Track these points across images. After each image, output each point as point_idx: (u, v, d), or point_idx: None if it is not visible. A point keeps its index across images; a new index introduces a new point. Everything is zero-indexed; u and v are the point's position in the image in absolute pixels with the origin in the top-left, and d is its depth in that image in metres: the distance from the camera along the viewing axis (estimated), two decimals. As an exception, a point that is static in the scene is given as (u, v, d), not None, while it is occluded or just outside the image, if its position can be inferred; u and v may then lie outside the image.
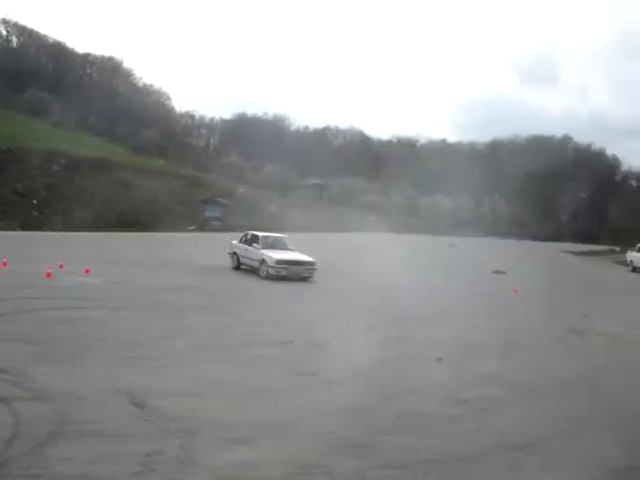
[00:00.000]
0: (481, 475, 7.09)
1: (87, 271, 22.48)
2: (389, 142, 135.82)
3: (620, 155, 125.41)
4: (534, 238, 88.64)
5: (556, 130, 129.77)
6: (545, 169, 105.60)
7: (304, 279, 25.39)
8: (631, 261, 47.41)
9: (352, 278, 26.85)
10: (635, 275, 43.99)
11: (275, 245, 27.20)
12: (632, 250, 48.49)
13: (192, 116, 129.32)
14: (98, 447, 6.95)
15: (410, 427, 8.41)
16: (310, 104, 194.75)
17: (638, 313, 22.89)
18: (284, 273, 24.79)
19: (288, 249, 27.07)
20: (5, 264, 22.41)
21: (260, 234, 28.29)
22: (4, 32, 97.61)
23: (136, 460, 6.62)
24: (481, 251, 52.77)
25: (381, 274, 27.74)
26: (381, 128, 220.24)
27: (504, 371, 12.06)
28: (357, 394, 9.82)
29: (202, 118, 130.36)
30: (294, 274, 25.03)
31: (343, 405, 9.20)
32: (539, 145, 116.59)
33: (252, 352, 12.33)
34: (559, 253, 58.76)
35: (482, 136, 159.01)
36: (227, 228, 65.49)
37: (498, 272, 33.87)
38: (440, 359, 12.48)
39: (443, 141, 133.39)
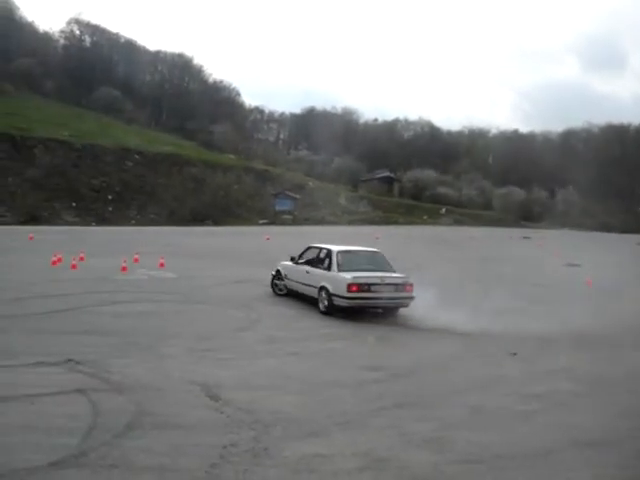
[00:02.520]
0: (556, 471, 6.85)
1: (161, 265, 22.82)
2: (460, 133, 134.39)
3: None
4: (610, 230, 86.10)
5: (624, 118, 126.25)
6: (621, 158, 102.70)
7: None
8: None
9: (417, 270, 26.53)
10: None
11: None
12: None
13: (262, 111, 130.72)
14: (174, 439, 6.99)
15: (483, 422, 8.22)
16: (379, 96, 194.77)
17: None
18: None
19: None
20: (82, 259, 22.89)
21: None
22: (77, 32, 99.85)
23: (212, 452, 6.63)
24: (555, 243, 51.58)
25: (450, 267, 27.31)
26: (450, 119, 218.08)
27: (578, 365, 11.70)
28: (427, 389, 9.70)
29: (271, 113, 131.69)
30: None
31: (414, 399, 9.08)
32: (614, 134, 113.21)
33: (323, 345, 12.19)
34: (636, 245, 56.96)
35: (549, 125, 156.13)
36: (297, 221, 65.87)
37: (572, 265, 33.04)
38: (514, 353, 12.15)
39: (515, 131, 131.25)
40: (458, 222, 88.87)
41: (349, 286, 15.02)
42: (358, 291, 15.08)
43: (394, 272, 16.31)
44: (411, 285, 15.58)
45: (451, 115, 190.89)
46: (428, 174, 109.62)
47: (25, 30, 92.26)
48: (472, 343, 13.33)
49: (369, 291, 15.21)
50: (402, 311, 15.95)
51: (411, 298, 15.64)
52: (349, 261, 16.26)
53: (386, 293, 15.33)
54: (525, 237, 62.41)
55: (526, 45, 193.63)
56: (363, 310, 15.64)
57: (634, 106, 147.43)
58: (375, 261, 16.94)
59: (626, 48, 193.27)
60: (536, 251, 45.67)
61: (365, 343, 12.84)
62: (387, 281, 15.43)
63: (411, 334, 13.99)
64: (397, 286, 15.57)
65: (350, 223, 71.35)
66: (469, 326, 14.50)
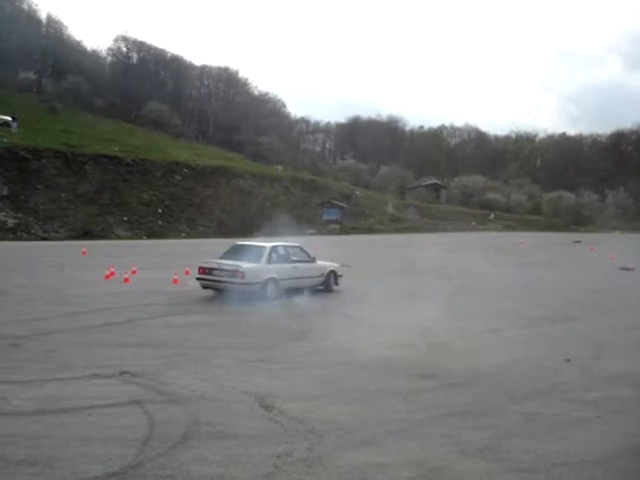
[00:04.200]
0: (613, 479, 6.74)
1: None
2: (507, 138, 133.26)
3: None
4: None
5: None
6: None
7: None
8: None
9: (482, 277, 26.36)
10: None
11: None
12: None
13: (307, 121, 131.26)
14: (229, 448, 7.09)
15: (538, 430, 8.14)
16: (424, 103, 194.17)
17: None
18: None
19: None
20: (134, 272, 23.19)
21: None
22: (124, 49, 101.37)
23: (266, 462, 6.73)
24: (607, 247, 50.76)
25: (502, 274, 27.08)
26: (494, 124, 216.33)
27: (636, 371, 11.44)
28: (482, 397, 9.63)
29: (317, 123, 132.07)
30: None
31: (467, 407, 9.04)
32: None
33: (374, 354, 12.16)
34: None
35: (597, 127, 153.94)
36: (345, 230, 65.87)
37: (626, 268, 32.51)
38: (568, 360, 12.00)
39: (563, 134, 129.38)
40: (507, 227, 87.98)
41: (198, 269, 19.07)
42: (202, 273, 18.83)
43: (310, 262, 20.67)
44: (242, 272, 17.84)
45: (495, 120, 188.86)
46: (476, 180, 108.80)
47: (74, 49, 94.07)
48: (528, 349, 13.21)
49: (210, 274, 18.57)
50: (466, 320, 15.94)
51: (244, 284, 17.87)
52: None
53: (222, 277, 18.23)
54: (576, 241, 61.52)
55: (566, 47, 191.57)
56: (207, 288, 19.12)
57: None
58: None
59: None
60: (588, 255, 45.08)
61: (418, 350, 12.78)
62: (223, 267, 18.36)
63: (465, 342, 13.87)
64: (230, 272, 18.06)
65: (398, 231, 71.15)
66: (524, 332, 14.40)
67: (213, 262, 18.99)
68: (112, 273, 22.54)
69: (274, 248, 19.65)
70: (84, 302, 17.30)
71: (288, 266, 19.71)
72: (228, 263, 18.52)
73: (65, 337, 12.86)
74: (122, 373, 10.07)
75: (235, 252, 19.68)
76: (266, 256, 19.02)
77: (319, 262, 21.42)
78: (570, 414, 8.82)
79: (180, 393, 9.08)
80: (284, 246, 20.71)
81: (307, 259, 20.88)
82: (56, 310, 15.96)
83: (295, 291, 19.62)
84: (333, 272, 21.82)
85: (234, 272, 17.97)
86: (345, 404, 9.00)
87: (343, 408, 8.79)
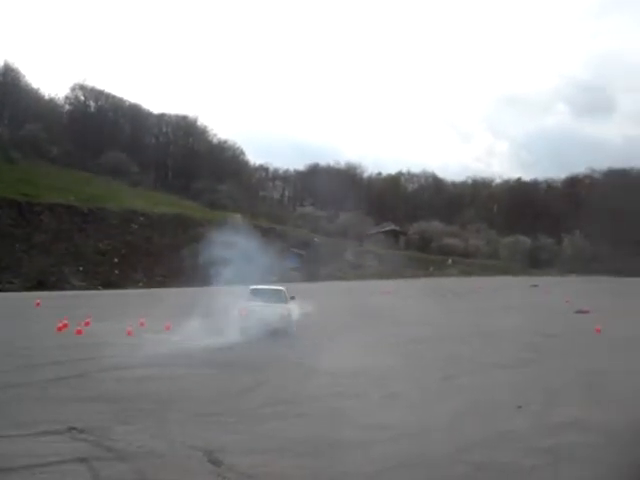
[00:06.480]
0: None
1: (167, 328, 22.76)
2: (463, 183, 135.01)
3: None
4: (619, 274, 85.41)
5: (619, 160, 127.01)
6: (627, 202, 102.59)
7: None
8: None
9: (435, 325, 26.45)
10: None
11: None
12: None
13: (266, 169, 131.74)
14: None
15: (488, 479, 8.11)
16: (380, 150, 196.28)
17: None
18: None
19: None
20: (88, 324, 22.90)
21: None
22: (82, 97, 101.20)
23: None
24: (564, 290, 51.44)
25: (458, 320, 27.25)
26: (451, 170, 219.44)
27: (587, 417, 11.52)
28: (431, 446, 9.58)
29: (276, 170, 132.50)
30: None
31: (417, 459, 8.98)
32: (617, 177, 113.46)
33: (326, 405, 12.10)
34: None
35: (550, 172, 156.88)
36: (307, 278, 65.78)
37: (581, 312, 32.94)
38: (520, 407, 12.03)
39: (518, 180, 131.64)
40: (465, 273, 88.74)
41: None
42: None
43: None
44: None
45: (450, 166, 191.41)
46: (434, 225, 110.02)
47: (31, 97, 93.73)
48: (479, 397, 13.25)
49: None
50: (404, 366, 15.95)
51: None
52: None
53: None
54: (533, 285, 62.25)
55: (514, 94, 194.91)
56: None
57: (629, 148, 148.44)
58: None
59: (614, 92, 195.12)
60: (545, 298, 45.57)
61: (371, 401, 12.74)
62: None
63: (417, 391, 13.86)
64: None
65: (357, 278, 71.29)
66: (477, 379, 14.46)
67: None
68: (65, 325, 22.23)
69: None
70: (36, 355, 17.05)
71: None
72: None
73: (16, 391, 12.60)
74: (70, 429, 9.86)
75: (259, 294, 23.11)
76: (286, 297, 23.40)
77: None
78: (521, 462, 8.82)
79: (128, 449, 8.91)
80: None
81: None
82: (8, 363, 15.65)
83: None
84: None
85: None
86: (297, 457, 8.92)
87: (294, 462, 8.71)
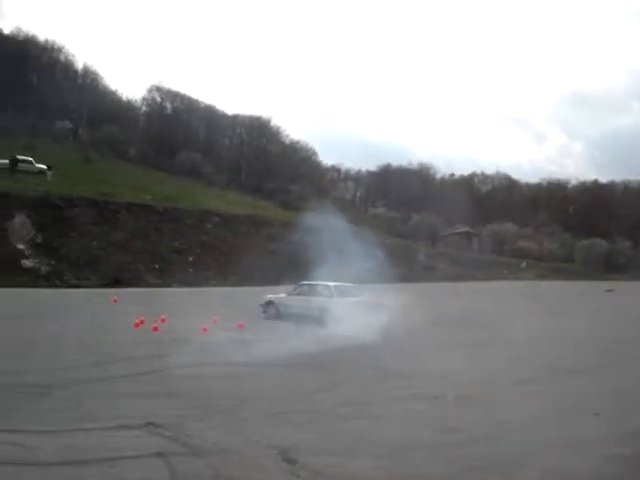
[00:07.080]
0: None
1: (240, 326, 22.94)
2: (538, 185, 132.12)
3: None
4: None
5: None
6: None
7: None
8: None
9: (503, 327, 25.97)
10: None
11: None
12: None
13: (338, 169, 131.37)
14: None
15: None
16: (454, 151, 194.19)
17: None
18: None
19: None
20: (164, 321, 23.23)
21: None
22: (158, 99, 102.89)
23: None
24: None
25: (529, 324, 26.65)
26: (523, 171, 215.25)
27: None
28: (503, 451, 9.40)
29: (348, 171, 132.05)
30: None
31: (488, 462, 8.83)
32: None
33: (401, 407, 11.99)
34: None
35: (627, 173, 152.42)
36: (379, 279, 65.36)
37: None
38: (597, 413, 11.67)
39: (595, 182, 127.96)
40: (539, 276, 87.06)
41: None
42: None
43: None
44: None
45: (523, 166, 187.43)
46: (507, 228, 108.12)
47: (109, 98, 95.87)
48: (552, 402, 12.93)
49: None
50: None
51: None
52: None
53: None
54: (608, 290, 60.59)
55: (587, 93, 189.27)
56: None
57: None
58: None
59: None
60: (622, 303, 44.38)
61: (445, 403, 12.58)
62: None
63: (491, 394, 13.62)
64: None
65: (429, 280, 70.61)
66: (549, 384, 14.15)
67: None
68: (142, 321, 22.61)
69: None
70: (113, 351, 17.36)
71: None
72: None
73: (93, 387, 12.87)
74: (147, 424, 9.99)
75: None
76: None
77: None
78: (594, 468, 8.56)
79: (204, 446, 8.98)
80: None
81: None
82: (85, 359, 16.00)
83: None
84: None
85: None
86: (371, 458, 8.84)
87: (369, 463, 8.63)
